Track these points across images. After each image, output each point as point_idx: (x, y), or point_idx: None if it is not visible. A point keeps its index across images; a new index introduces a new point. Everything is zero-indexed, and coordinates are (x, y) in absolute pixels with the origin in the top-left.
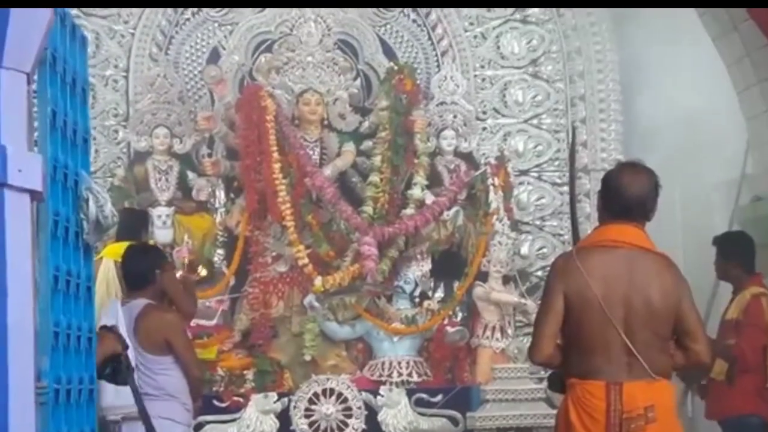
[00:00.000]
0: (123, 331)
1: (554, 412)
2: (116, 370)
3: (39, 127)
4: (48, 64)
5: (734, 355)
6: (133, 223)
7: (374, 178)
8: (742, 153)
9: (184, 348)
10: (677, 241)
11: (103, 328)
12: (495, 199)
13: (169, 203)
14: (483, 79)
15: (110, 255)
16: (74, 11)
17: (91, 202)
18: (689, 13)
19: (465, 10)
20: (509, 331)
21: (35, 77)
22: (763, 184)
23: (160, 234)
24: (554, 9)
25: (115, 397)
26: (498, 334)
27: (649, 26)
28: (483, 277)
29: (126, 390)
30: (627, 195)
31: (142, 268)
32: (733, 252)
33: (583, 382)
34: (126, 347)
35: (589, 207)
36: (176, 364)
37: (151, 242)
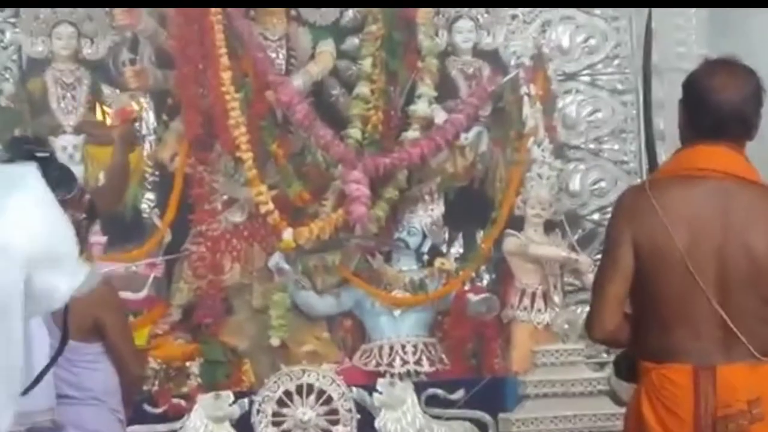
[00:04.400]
0: None
1: (622, 410)
2: None
3: None
4: None
5: None
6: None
7: (363, 89)
8: None
9: (120, 333)
10: None
11: None
12: (531, 115)
13: (77, 130)
14: None
15: None
16: None
17: None
18: None
19: None
20: (556, 299)
21: None
22: None
23: None
24: None
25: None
26: (540, 304)
27: None
28: (517, 223)
29: (34, 392)
30: (719, 104)
31: None
32: None
33: (661, 367)
34: None
35: (662, 123)
36: (106, 356)
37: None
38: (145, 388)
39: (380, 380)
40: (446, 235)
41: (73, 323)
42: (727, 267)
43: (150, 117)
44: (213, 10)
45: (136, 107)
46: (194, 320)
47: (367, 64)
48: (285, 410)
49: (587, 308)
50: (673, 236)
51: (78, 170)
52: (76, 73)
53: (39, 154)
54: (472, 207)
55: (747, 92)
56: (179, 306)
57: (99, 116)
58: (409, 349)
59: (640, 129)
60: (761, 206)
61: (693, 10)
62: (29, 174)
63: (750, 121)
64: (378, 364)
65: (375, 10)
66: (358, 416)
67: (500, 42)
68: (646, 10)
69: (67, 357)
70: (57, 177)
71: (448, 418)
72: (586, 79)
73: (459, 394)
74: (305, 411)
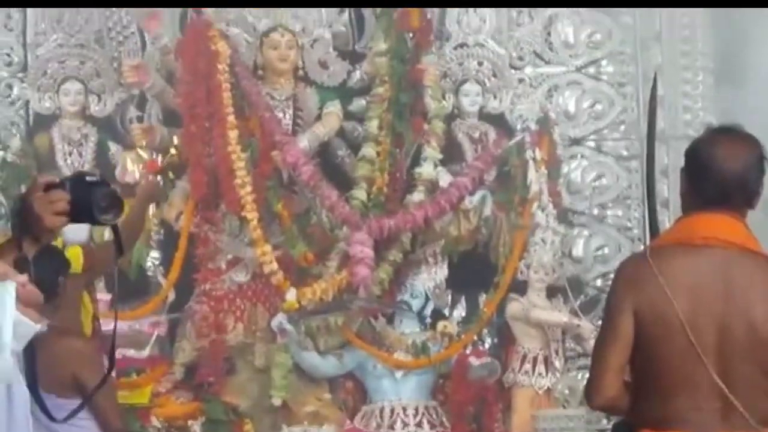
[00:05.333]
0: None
1: None
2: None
3: None
4: None
5: None
6: None
7: (369, 150)
8: None
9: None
10: None
11: None
12: (536, 180)
13: None
14: (519, 12)
15: None
16: None
17: None
18: None
19: None
20: (557, 364)
21: None
22: None
23: (73, 230)
24: None
25: None
26: (541, 368)
27: None
28: (520, 288)
29: None
30: (722, 173)
31: (42, 276)
32: None
33: None
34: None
35: (666, 189)
36: (87, 413)
37: (59, 241)
38: None
39: None
40: (449, 299)
41: (53, 380)
42: (727, 337)
43: (156, 175)
44: (220, 68)
45: (162, 158)
46: (197, 379)
47: (373, 125)
48: None
49: (588, 374)
50: (674, 305)
51: (83, 228)
52: (83, 129)
53: (88, 179)
54: (475, 271)
55: (749, 161)
56: (182, 365)
57: (129, 166)
58: (411, 411)
59: (645, 196)
60: (763, 276)
61: (702, 75)
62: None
63: (752, 190)
64: (379, 426)
65: (382, 71)
66: None
67: (506, 105)
68: (652, 75)
69: (49, 414)
70: (106, 202)
71: None
72: (592, 144)
73: None
74: None
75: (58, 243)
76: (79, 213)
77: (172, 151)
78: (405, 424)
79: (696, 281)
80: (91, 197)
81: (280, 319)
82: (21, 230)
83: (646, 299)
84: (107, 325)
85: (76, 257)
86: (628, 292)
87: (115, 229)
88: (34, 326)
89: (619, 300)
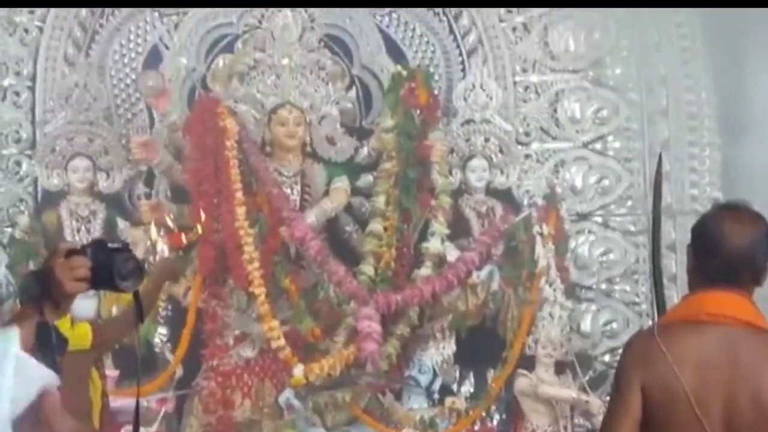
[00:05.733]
0: None
1: None
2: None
3: None
4: None
5: None
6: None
7: (376, 226)
8: None
9: None
10: None
11: None
12: (543, 255)
13: None
14: (526, 88)
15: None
16: None
17: None
18: None
19: None
20: None
21: None
22: None
23: (81, 306)
24: None
25: None
26: None
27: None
28: (528, 363)
29: None
30: (729, 250)
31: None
32: None
33: None
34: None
35: (674, 264)
36: None
37: (67, 318)
38: None
39: None
40: (457, 374)
41: None
42: (734, 414)
43: (164, 250)
44: (228, 144)
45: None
46: None
47: (380, 201)
48: None
49: None
50: (682, 381)
51: (92, 303)
52: (91, 206)
53: (110, 245)
54: (483, 346)
55: (756, 238)
56: None
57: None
58: None
59: (651, 271)
60: None
61: (708, 150)
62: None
63: (759, 267)
64: None
65: (389, 147)
66: None
67: (513, 181)
68: (659, 151)
69: None
70: (127, 269)
71: None
72: (599, 219)
73: None
74: None
75: (66, 320)
76: (99, 279)
77: (198, 229)
78: None
79: (703, 357)
80: (112, 264)
81: (287, 394)
82: (42, 296)
83: (654, 376)
84: (115, 402)
85: (84, 333)
86: (636, 369)
87: (136, 296)
88: (43, 370)
89: (628, 377)
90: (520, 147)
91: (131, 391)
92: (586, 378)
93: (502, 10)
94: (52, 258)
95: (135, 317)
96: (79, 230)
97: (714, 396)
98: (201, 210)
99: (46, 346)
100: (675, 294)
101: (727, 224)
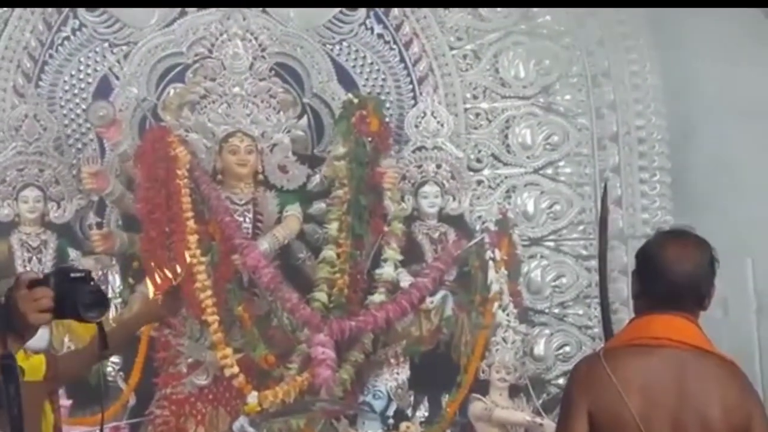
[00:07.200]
0: None
1: None
2: None
3: None
4: None
5: None
6: None
7: (329, 253)
8: None
9: None
10: (750, 338)
11: None
12: (496, 280)
13: None
14: (477, 114)
15: None
16: None
17: None
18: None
19: (451, 21)
20: None
21: None
22: None
23: (33, 336)
24: (573, 17)
25: None
26: None
27: (700, 37)
28: (482, 387)
29: None
30: (673, 276)
31: None
32: None
33: None
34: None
35: (626, 289)
36: None
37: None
38: None
39: None
40: (411, 399)
41: None
42: None
43: (115, 280)
44: (180, 173)
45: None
46: None
47: (333, 228)
48: None
49: None
50: (629, 405)
51: (43, 335)
52: (42, 236)
53: (72, 275)
54: (437, 371)
55: (700, 263)
56: None
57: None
58: None
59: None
60: (715, 375)
61: (658, 174)
62: None
63: (703, 292)
64: None
65: (341, 175)
66: None
67: (466, 207)
68: (611, 176)
69: None
70: (91, 299)
71: None
72: (551, 244)
73: None
74: None
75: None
76: (63, 310)
77: (179, 269)
78: None
79: (649, 381)
80: (75, 294)
81: (241, 422)
82: (5, 328)
83: (600, 400)
84: None
85: (38, 364)
86: (582, 394)
87: (100, 327)
88: None
89: (574, 402)
90: (471, 173)
91: (84, 420)
92: (540, 401)
93: (452, 37)
94: (14, 289)
95: (99, 347)
96: (30, 260)
97: (661, 419)
98: (185, 253)
99: (10, 378)
100: (627, 318)
101: (671, 250)
